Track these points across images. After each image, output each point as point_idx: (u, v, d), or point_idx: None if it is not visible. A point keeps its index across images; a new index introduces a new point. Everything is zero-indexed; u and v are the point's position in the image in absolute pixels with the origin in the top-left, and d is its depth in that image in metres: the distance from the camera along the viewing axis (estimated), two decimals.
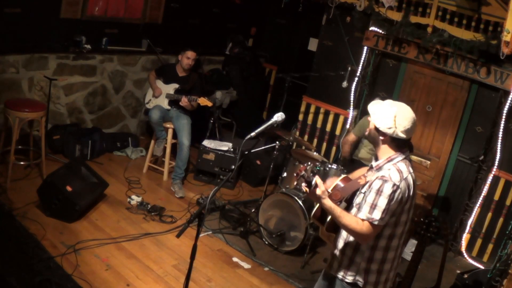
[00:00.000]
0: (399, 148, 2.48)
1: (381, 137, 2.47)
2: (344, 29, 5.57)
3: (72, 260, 3.77)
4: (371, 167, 2.54)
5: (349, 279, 2.57)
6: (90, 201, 4.53)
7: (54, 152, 5.42)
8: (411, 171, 2.48)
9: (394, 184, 2.36)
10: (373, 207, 2.36)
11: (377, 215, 2.35)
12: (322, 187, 2.46)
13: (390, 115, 2.42)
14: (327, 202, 2.43)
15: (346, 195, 2.53)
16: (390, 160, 2.46)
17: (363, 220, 2.38)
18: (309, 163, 2.46)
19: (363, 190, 2.48)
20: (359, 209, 2.45)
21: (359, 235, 2.40)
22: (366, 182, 2.48)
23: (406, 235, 2.62)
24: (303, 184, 2.55)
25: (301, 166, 2.42)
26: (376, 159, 2.54)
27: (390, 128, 2.41)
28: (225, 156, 5.58)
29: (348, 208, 2.55)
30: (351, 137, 4.78)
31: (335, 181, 2.62)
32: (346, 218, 2.42)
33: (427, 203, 5.30)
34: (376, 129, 2.46)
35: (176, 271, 3.96)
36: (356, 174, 2.79)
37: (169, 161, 5.54)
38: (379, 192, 2.36)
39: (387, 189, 2.35)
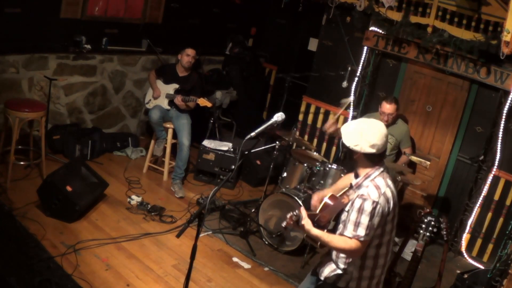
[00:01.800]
0: (374, 163, 2.58)
1: (354, 156, 2.57)
2: (344, 29, 5.57)
3: (72, 260, 3.77)
4: (351, 186, 2.64)
5: (342, 285, 2.68)
6: (90, 201, 4.54)
7: (54, 152, 5.42)
8: (389, 183, 2.59)
9: (373, 201, 2.47)
10: (356, 224, 2.48)
11: (361, 232, 2.47)
12: (307, 220, 2.54)
13: (357, 132, 2.53)
14: (313, 232, 2.54)
15: (333, 216, 2.65)
16: (367, 176, 2.57)
17: (349, 238, 2.49)
18: (295, 213, 2.53)
19: (346, 209, 2.60)
20: (344, 226, 2.56)
21: (349, 252, 2.55)
22: (349, 201, 2.59)
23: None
24: (286, 222, 2.59)
25: (288, 217, 2.53)
26: (356, 176, 2.64)
27: (356, 145, 2.51)
28: (225, 156, 5.58)
29: (336, 224, 2.68)
30: None
31: (322, 198, 2.72)
32: (334, 241, 2.54)
33: (427, 203, 5.30)
34: (348, 148, 2.56)
35: (176, 271, 3.96)
36: (341, 184, 2.94)
37: (169, 161, 5.54)
38: (360, 210, 2.47)
39: (367, 207, 2.46)
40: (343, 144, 2.58)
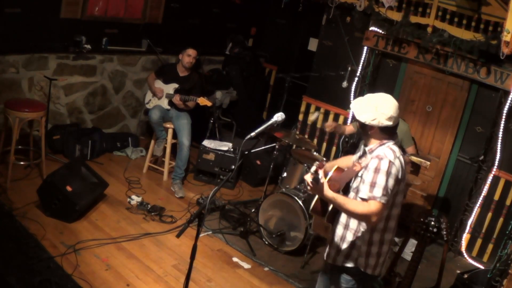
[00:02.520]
0: (389, 136, 2.58)
1: (369, 131, 2.56)
2: (344, 29, 5.57)
3: (72, 260, 3.77)
4: (364, 153, 2.62)
5: (350, 264, 2.65)
6: (90, 201, 4.54)
7: (54, 152, 5.42)
8: (399, 155, 2.58)
9: (390, 161, 2.46)
10: (372, 185, 2.44)
11: (377, 192, 2.43)
12: (324, 180, 2.52)
13: (371, 107, 2.52)
14: (329, 193, 2.49)
15: (343, 185, 2.61)
16: (382, 144, 2.56)
17: (365, 200, 2.45)
18: (324, 161, 2.53)
19: (360, 174, 2.57)
20: (357, 191, 2.53)
21: (365, 216, 2.46)
22: (362, 168, 2.56)
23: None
24: (309, 179, 2.56)
25: (319, 163, 2.53)
26: (366, 145, 2.63)
27: (374, 119, 2.51)
28: (225, 156, 5.58)
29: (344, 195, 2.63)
30: (349, 128, 4.77)
31: (328, 172, 2.68)
32: (350, 203, 2.48)
33: (427, 203, 5.31)
34: (363, 124, 2.56)
35: (176, 271, 3.96)
36: (342, 162, 2.88)
37: (169, 161, 5.54)
38: (376, 170, 2.45)
39: (384, 166, 2.45)
40: (358, 121, 2.56)
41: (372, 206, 2.42)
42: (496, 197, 4.82)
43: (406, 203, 5.35)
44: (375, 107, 2.51)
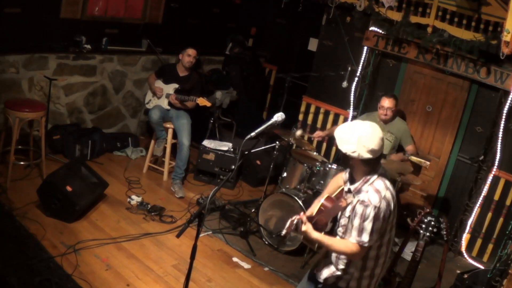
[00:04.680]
0: (372, 167, 2.54)
1: (351, 161, 2.54)
2: (344, 29, 5.57)
3: (72, 260, 3.77)
4: (349, 191, 2.60)
5: (342, 285, 2.68)
6: (90, 201, 4.53)
7: (54, 152, 5.42)
8: (388, 185, 2.55)
9: (375, 207, 2.45)
10: (360, 230, 2.48)
11: (365, 237, 2.48)
12: (308, 224, 2.54)
13: (353, 138, 2.46)
14: (314, 236, 2.53)
15: (330, 219, 2.64)
16: (366, 181, 2.53)
17: (353, 243, 2.50)
18: (294, 220, 2.55)
19: (347, 214, 2.58)
20: (346, 231, 2.57)
21: (350, 255, 2.56)
22: (348, 205, 2.57)
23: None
24: (286, 230, 2.61)
25: (287, 225, 2.56)
26: (353, 181, 2.60)
27: (354, 152, 2.46)
28: (225, 156, 5.58)
29: (333, 226, 2.67)
30: None
31: (318, 202, 2.70)
32: (335, 244, 2.56)
33: (427, 203, 5.31)
34: (344, 154, 2.52)
35: (176, 271, 3.96)
36: (334, 185, 2.89)
37: (169, 161, 5.54)
38: (362, 217, 2.47)
39: (369, 213, 2.46)
40: (339, 150, 2.54)
41: (355, 249, 2.49)
42: (496, 197, 4.82)
43: (406, 203, 5.35)
44: (357, 139, 2.44)
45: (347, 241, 2.52)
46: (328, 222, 2.63)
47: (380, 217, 2.46)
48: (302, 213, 2.57)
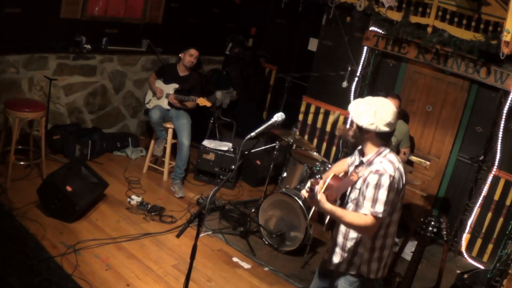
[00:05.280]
0: (385, 142, 2.57)
1: (365, 135, 2.54)
2: (344, 29, 5.57)
3: (72, 260, 3.77)
4: (361, 163, 2.61)
5: (353, 271, 2.66)
6: (90, 201, 4.53)
7: (54, 152, 5.42)
8: (400, 160, 2.58)
9: (390, 175, 2.45)
10: (374, 201, 2.44)
11: (379, 208, 2.43)
12: (320, 194, 2.50)
13: (371, 111, 2.48)
14: (328, 206, 2.47)
15: (339, 195, 2.60)
16: (379, 153, 2.55)
17: (366, 214, 2.45)
18: (319, 178, 2.50)
19: (357, 186, 2.56)
20: (357, 204, 2.54)
21: (363, 229, 2.48)
22: (359, 178, 2.54)
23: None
24: (305, 192, 2.56)
25: (314, 180, 2.50)
26: (363, 154, 2.62)
27: (372, 124, 2.48)
28: (225, 156, 5.58)
29: (342, 204, 2.64)
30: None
31: (326, 181, 2.66)
32: (348, 216, 2.49)
33: (427, 203, 5.31)
34: (359, 127, 2.54)
35: (176, 271, 3.96)
36: (339, 168, 2.87)
37: (169, 161, 5.54)
38: (377, 186, 2.44)
39: (385, 182, 2.44)
40: (355, 124, 2.54)
41: (369, 221, 2.44)
42: (496, 197, 4.82)
43: (406, 203, 5.35)
44: (374, 112, 2.47)
45: (360, 213, 2.47)
46: (337, 198, 2.58)
47: (394, 187, 2.45)
48: (316, 181, 2.51)
